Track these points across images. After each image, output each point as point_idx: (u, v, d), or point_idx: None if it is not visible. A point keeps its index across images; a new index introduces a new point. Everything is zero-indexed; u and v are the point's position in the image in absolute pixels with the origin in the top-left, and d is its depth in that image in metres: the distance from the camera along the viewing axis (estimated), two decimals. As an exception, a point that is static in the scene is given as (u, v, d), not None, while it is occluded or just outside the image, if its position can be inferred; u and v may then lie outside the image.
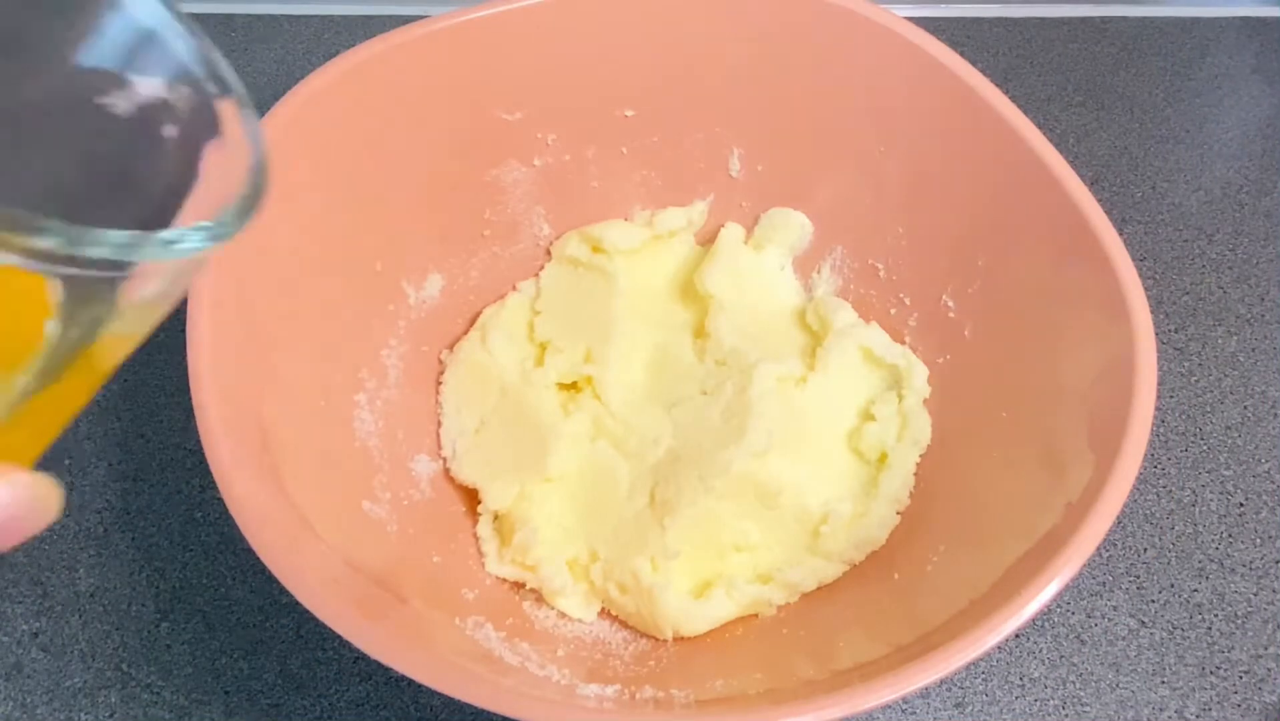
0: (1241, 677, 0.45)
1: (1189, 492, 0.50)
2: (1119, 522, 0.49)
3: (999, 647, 0.44)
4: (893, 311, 0.50)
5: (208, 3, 0.70)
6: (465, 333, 0.50)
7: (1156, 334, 0.36)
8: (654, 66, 0.48)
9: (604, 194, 0.52)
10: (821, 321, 0.50)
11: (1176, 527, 0.49)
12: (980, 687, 0.44)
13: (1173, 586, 0.47)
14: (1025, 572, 0.32)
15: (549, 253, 0.52)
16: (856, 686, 0.30)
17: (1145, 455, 0.34)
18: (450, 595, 0.42)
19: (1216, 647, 0.46)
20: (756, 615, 0.43)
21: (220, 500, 0.32)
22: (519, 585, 0.44)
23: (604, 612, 0.44)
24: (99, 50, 0.21)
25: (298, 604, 0.30)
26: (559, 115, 0.49)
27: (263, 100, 0.35)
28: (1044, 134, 0.42)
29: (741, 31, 0.47)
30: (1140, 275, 0.37)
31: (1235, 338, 0.56)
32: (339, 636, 0.30)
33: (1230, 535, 0.49)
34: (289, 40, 0.66)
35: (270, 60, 0.66)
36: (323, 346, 0.42)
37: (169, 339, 0.52)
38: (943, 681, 0.30)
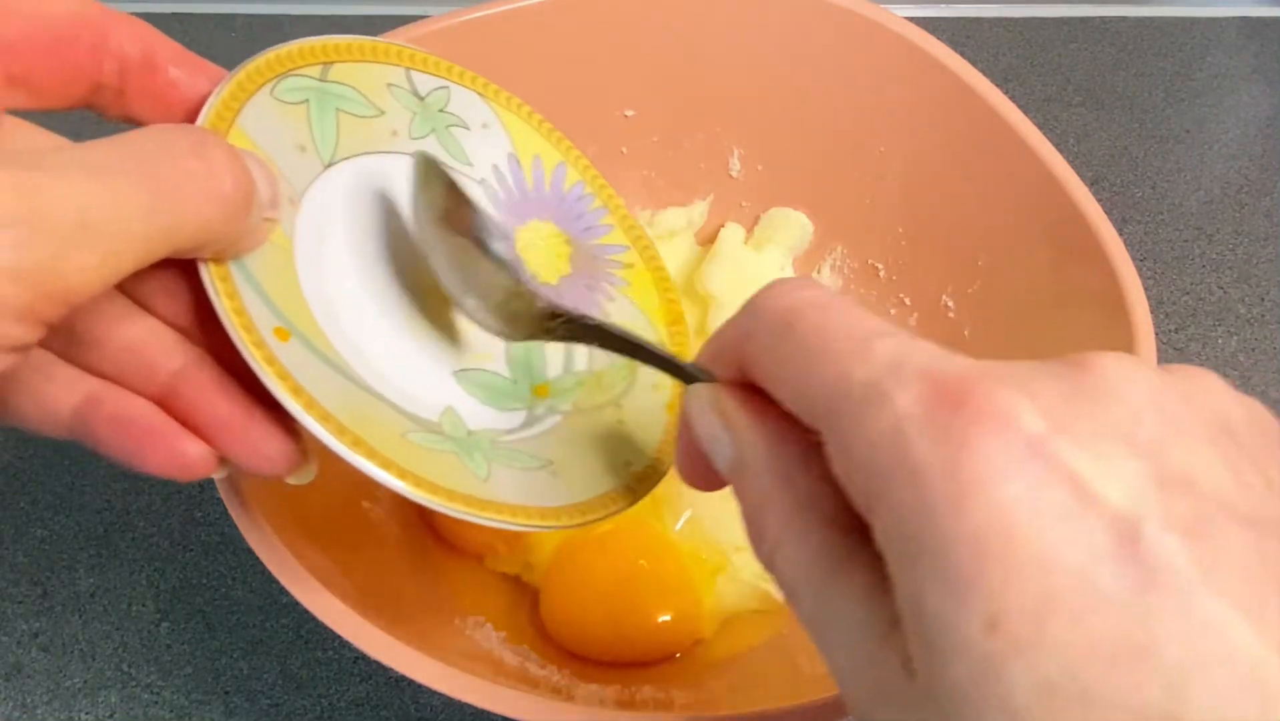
0: (1241, 677, 0.45)
1: (1189, 492, 0.50)
2: (1119, 522, 0.49)
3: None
4: (893, 311, 0.50)
5: (209, 3, 0.70)
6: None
7: (1156, 334, 0.36)
8: (654, 66, 0.48)
9: (604, 194, 0.52)
10: (821, 321, 0.50)
11: (1176, 527, 0.49)
12: (980, 687, 0.44)
13: (1173, 586, 0.47)
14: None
15: (549, 253, 0.52)
16: (856, 686, 0.30)
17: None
18: (450, 595, 0.42)
19: (1216, 647, 0.46)
20: (756, 614, 0.43)
21: (220, 500, 0.32)
22: (520, 583, 0.44)
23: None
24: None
25: (298, 604, 0.30)
26: (559, 115, 0.48)
27: (263, 100, 0.35)
28: (1044, 134, 0.42)
29: (741, 32, 0.47)
30: (1140, 275, 0.37)
31: (1235, 338, 0.56)
32: (339, 636, 0.30)
33: (1230, 535, 0.49)
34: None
35: (270, 60, 0.65)
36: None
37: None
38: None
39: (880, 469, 0.17)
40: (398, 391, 0.28)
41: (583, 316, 0.28)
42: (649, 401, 0.33)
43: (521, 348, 0.32)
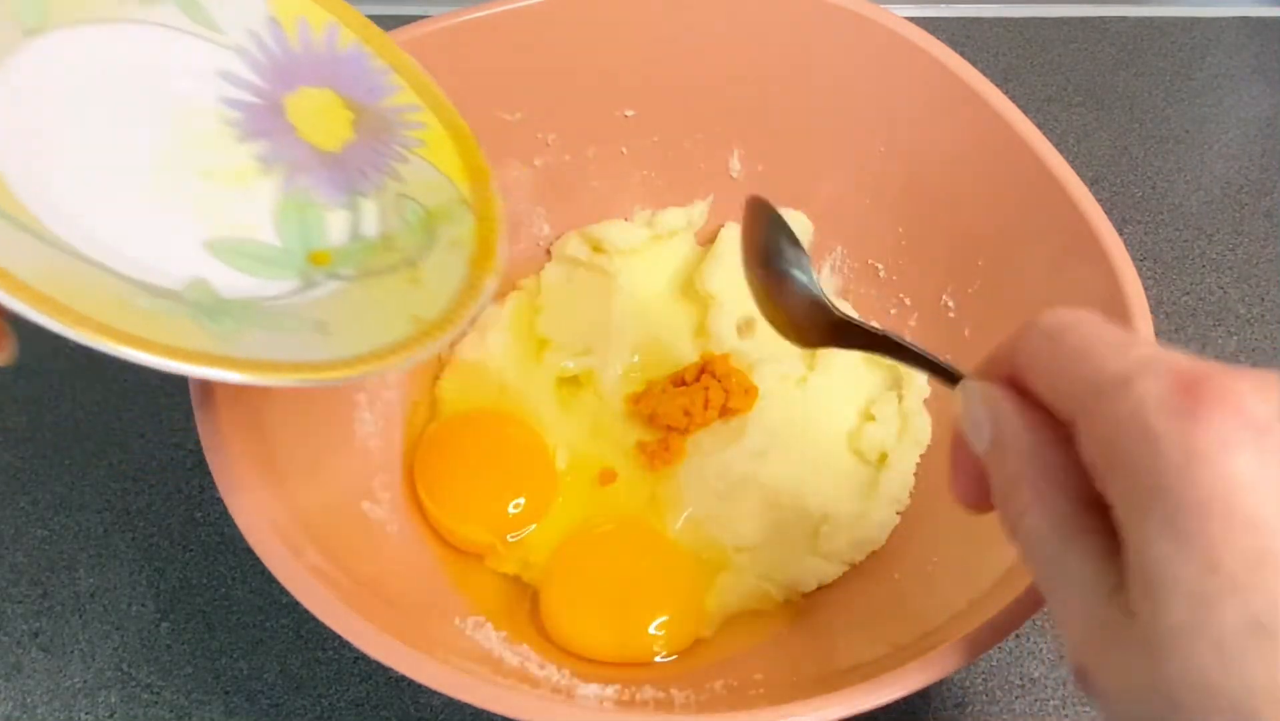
0: (1241, 677, 0.45)
1: (1189, 492, 0.50)
2: (1119, 522, 0.49)
3: (999, 647, 0.44)
4: (893, 311, 0.50)
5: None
6: (465, 332, 0.50)
7: (1156, 334, 0.36)
8: (654, 66, 0.48)
9: (604, 194, 0.52)
10: (821, 321, 0.50)
11: (1176, 527, 0.49)
12: (980, 687, 0.44)
13: (1173, 586, 0.47)
14: (1025, 573, 0.32)
15: (549, 253, 0.52)
16: (856, 686, 0.30)
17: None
18: (450, 595, 0.42)
19: (1216, 647, 0.46)
20: (756, 614, 0.44)
21: (220, 500, 0.32)
22: (520, 583, 0.44)
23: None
24: None
25: (298, 604, 0.30)
26: (559, 115, 0.49)
27: (263, 100, 0.35)
28: (1044, 134, 0.42)
29: (742, 31, 0.47)
30: (1140, 275, 0.37)
31: (1235, 338, 0.56)
32: (339, 636, 0.30)
33: (1230, 535, 0.49)
34: None
35: (270, 60, 0.65)
36: (323, 346, 0.42)
37: (169, 339, 0.52)
38: (943, 681, 0.30)
39: (1123, 441, 0.21)
40: (125, 260, 0.27)
41: (871, 326, 0.30)
42: (448, 258, 0.33)
43: (295, 213, 0.32)
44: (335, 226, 0.33)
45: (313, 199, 0.32)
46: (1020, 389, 0.25)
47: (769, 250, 0.32)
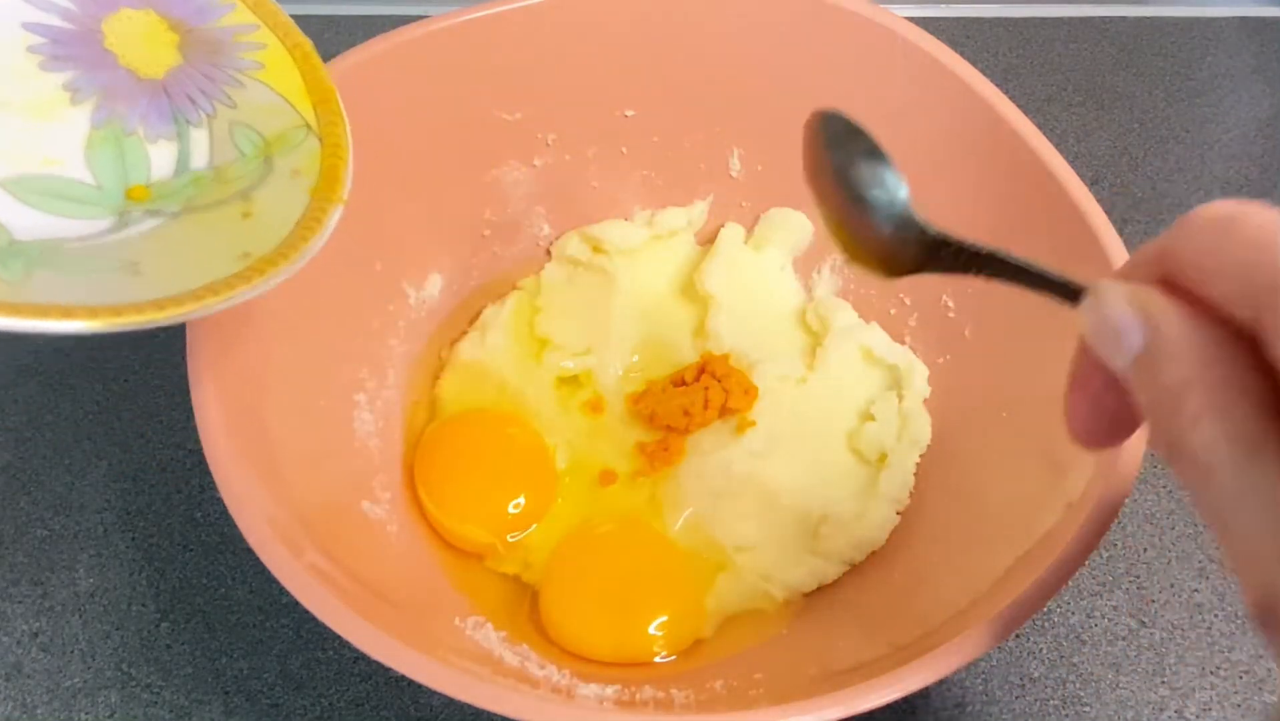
0: (1241, 677, 0.45)
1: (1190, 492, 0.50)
2: (1119, 522, 0.49)
3: (999, 647, 0.44)
4: (893, 311, 0.50)
5: (208, 3, 0.70)
6: (465, 333, 0.50)
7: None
8: (654, 66, 0.48)
9: (604, 194, 0.52)
10: (821, 321, 0.50)
11: (1176, 528, 0.49)
12: (980, 687, 0.44)
13: (1173, 586, 0.47)
14: (1025, 572, 0.32)
15: (549, 253, 0.52)
16: (856, 686, 0.30)
17: (1145, 454, 0.34)
18: (450, 594, 0.42)
19: (1216, 647, 0.46)
20: (757, 614, 0.44)
21: (220, 500, 0.32)
22: (520, 583, 0.44)
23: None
24: None
25: (298, 604, 0.30)
26: (559, 115, 0.49)
27: (263, 100, 0.35)
28: (1044, 134, 0.42)
29: (741, 32, 0.47)
30: (1140, 275, 0.37)
31: (1235, 338, 0.56)
32: (339, 636, 0.30)
33: (1230, 535, 0.49)
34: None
35: (270, 60, 0.65)
36: (323, 346, 0.42)
37: (169, 339, 0.52)
38: (943, 681, 0.30)
39: None
40: None
41: (974, 245, 0.26)
42: (286, 188, 0.30)
43: (111, 146, 0.30)
44: (159, 160, 0.30)
45: (132, 130, 0.30)
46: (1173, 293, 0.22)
47: (838, 174, 0.29)
